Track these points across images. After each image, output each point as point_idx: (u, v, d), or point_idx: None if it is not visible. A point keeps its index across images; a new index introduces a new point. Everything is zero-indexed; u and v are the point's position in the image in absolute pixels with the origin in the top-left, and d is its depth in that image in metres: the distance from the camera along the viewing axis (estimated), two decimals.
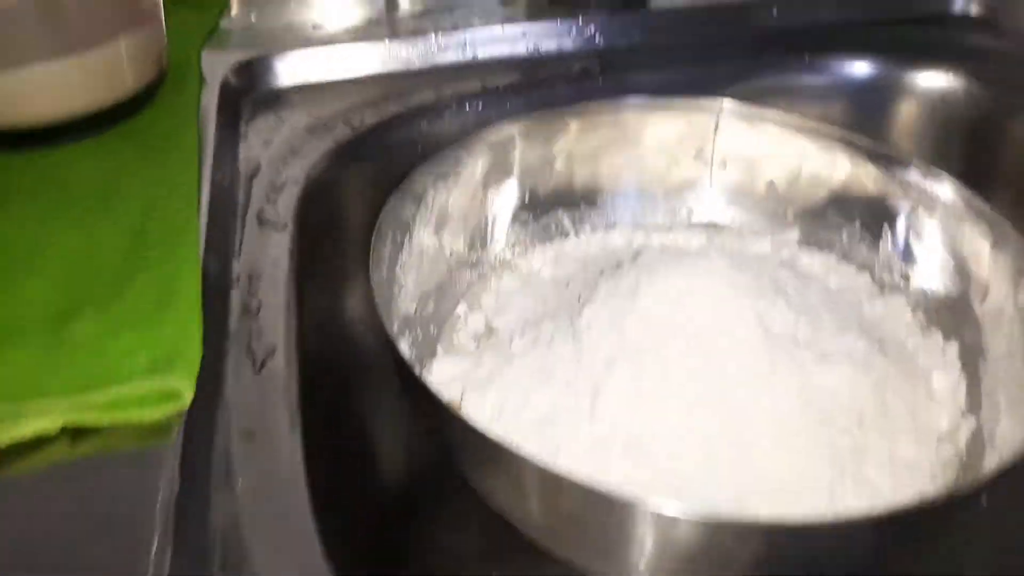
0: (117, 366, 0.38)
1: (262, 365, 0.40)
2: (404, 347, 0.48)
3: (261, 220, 0.49)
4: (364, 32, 0.66)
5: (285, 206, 0.50)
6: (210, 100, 0.57)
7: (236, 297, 0.44)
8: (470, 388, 0.48)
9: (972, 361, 0.48)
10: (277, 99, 0.61)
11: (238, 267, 0.46)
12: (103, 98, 0.53)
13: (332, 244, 0.50)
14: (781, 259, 0.54)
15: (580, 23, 0.67)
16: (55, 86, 0.51)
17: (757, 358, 0.44)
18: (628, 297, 0.47)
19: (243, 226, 0.48)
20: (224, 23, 0.70)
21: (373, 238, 0.44)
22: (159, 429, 0.35)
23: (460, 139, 0.54)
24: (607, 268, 0.53)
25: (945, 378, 0.48)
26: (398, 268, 0.49)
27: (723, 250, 0.51)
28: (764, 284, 0.47)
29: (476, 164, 0.55)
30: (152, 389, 0.37)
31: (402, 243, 0.50)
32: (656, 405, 0.43)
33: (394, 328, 0.45)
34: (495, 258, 0.59)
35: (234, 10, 0.70)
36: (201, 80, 0.60)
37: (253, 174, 0.52)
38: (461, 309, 0.55)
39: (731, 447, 0.42)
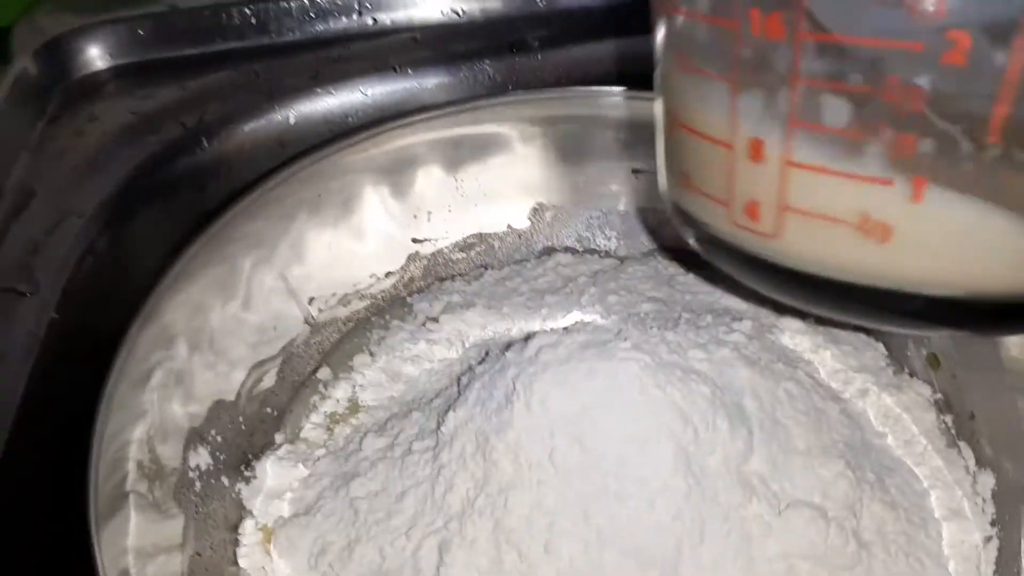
0: None
1: None
2: (203, 456, 0.35)
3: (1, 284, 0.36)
4: None
5: (47, 264, 0.36)
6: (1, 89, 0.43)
7: None
8: (291, 515, 0.35)
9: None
10: (96, 87, 0.46)
11: None
12: None
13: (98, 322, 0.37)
14: (739, 337, 0.37)
15: None
16: None
17: (678, 515, 0.30)
18: (499, 411, 0.32)
19: None
20: None
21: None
22: None
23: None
24: (494, 350, 0.38)
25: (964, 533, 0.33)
26: (189, 346, 0.35)
27: (645, 332, 0.35)
28: (696, 395, 0.31)
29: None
30: None
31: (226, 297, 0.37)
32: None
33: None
34: (382, 296, 0.44)
35: None
36: (9, 56, 0.46)
37: (17, 209, 0.38)
38: (324, 374, 0.42)
39: None
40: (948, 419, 0.36)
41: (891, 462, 0.34)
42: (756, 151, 0.23)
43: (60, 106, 0.46)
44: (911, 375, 0.38)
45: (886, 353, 0.39)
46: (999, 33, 0.19)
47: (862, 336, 0.39)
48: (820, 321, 0.40)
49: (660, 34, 0.26)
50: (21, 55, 0.47)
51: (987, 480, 0.33)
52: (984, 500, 0.33)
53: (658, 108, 0.28)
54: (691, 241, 0.28)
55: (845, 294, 0.23)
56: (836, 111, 0.21)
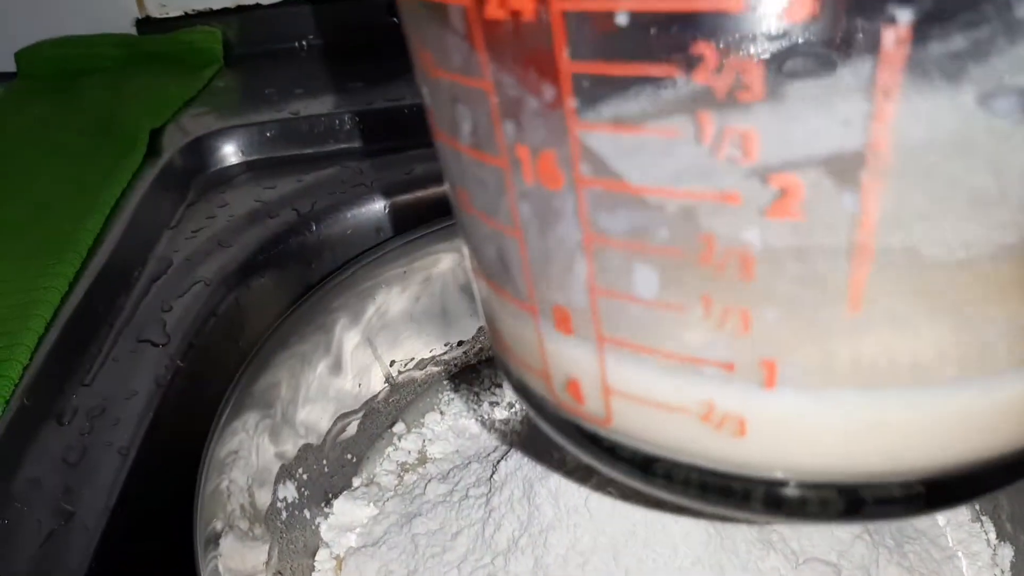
0: None
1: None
2: (290, 490, 0.41)
3: (140, 336, 0.43)
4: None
5: (178, 321, 0.44)
6: (148, 177, 0.52)
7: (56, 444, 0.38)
8: (359, 547, 0.40)
9: None
10: (228, 179, 0.55)
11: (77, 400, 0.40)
12: None
13: (216, 371, 0.44)
14: None
15: None
16: None
17: (698, 561, 0.33)
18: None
19: (114, 343, 0.42)
20: (219, 85, 0.66)
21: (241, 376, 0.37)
22: None
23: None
24: None
25: None
26: (287, 395, 0.41)
27: None
28: None
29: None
30: None
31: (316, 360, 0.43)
32: None
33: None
34: (453, 363, 0.50)
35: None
36: (160, 151, 0.56)
37: (157, 275, 0.46)
38: (399, 428, 0.47)
39: None
40: None
41: (913, 532, 0.36)
42: (563, 322, 0.18)
43: (198, 193, 0.55)
44: None
45: None
46: (842, 170, 0.14)
47: None
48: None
49: (440, 158, 0.20)
50: (169, 150, 0.57)
51: (1007, 553, 0.35)
52: (1003, 572, 0.35)
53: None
54: (526, 407, 0.23)
55: (710, 486, 0.19)
56: (646, 277, 0.16)
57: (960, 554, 0.36)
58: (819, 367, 0.16)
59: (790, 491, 0.18)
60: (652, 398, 0.18)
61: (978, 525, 0.37)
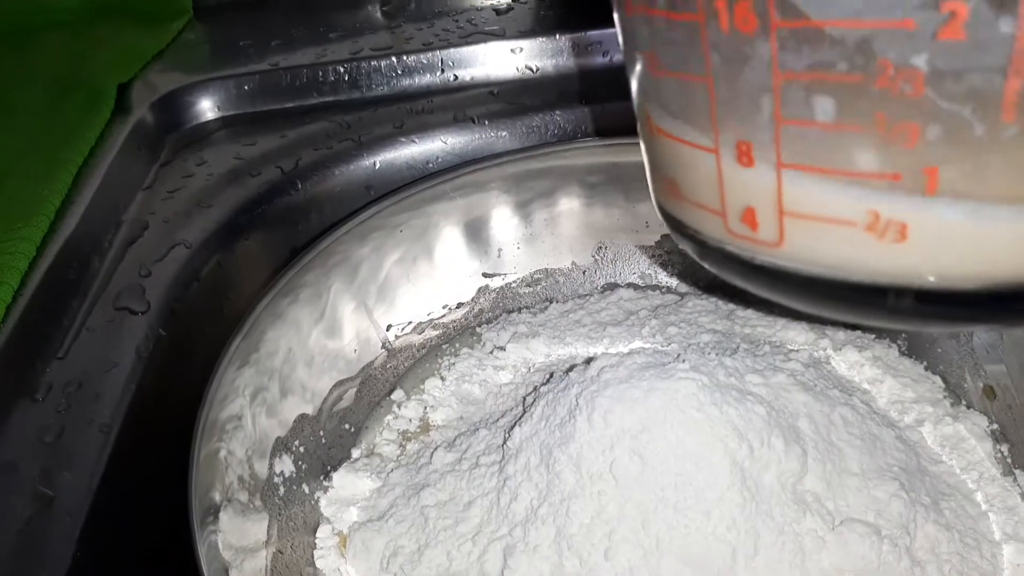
0: None
1: None
2: (287, 464, 0.38)
3: (117, 304, 0.40)
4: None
5: (157, 287, 0.40)
6: (118, 135, 0.49)
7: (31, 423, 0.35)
8: (364, 522, 0.37)
9: None
10: (205, 136, 0.51)
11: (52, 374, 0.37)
12: None
13: (200, 339, 0.40)
14: (796, 365, 0.39)
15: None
16: None
17: (733, 525, 0.31)
18: (562, 425, 0.34)
19: (89, 311, 0.39)
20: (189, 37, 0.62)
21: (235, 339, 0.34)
22: None
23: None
24: (558, 371, 0.40)
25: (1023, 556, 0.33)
26: (280, 362, 0.39)
27: (703, 356, 0.37)
28: (752, 414, 0.33)
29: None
30: None
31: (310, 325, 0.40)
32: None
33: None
34: (453, 326, 0.47)
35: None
36: (129, 107, 0.52)
37: (132, 239, 0.43)
38: (398, 395, 0.44)
39: None
40: (1004, 448, 0.36)
41: (946, 487, 0.35)
42: (745, 155, 0.21)
43: (173, 152, 0.51)
44: (968, 407, 0.38)
45: (943, 385, 0.39)
46: None
47: (919, 368, 0.40)
48: (911, 346, 0.39)
49: (625, 34, 0.24)
50: (139, 107, 0.53)
51: None
52: None
53: (637, 110, 0.26)
54: (688, 251, 0.26)
55: (866, 297, 0.21)
56: (827, 104, 0.19)
57: (996, 509, 0.35)
58: (974, 175, 0.18)
59: (938, 295, 0.20)
60: (823, 214, 0.20)
61: (1011, 479, 0.36)
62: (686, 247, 0.26)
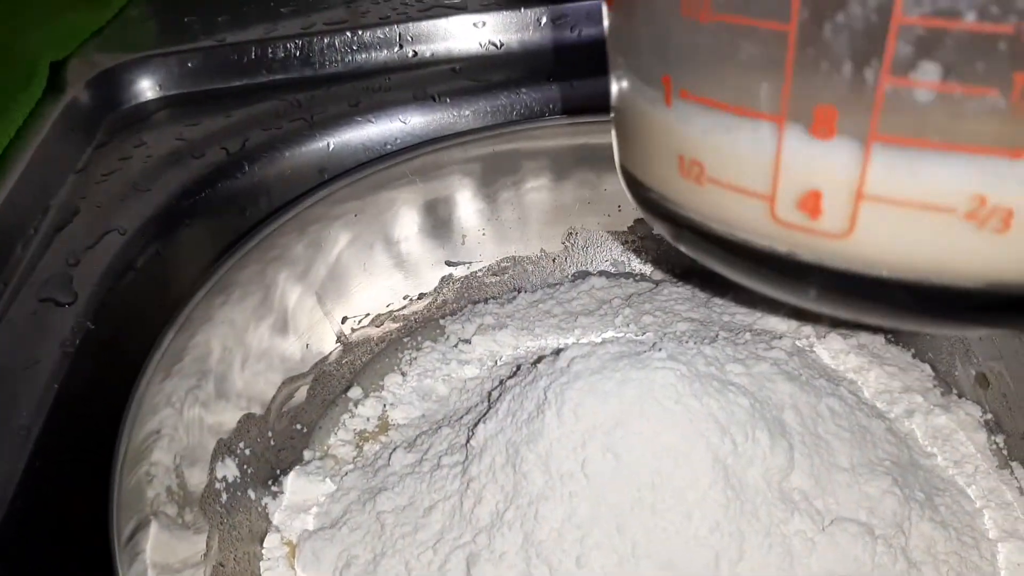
0: None
1: None
2: (230, 468, 0.35)
3: (41, 295, 0.36)
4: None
5: (86, 277, 0.37)
6: (49, 115, 0.45)
7: None
8: (316, 529, 0.34)
9: None
10: (145, 116, 0.48)
11: None
12: None
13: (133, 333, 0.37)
14: (779, 353, 0.36)
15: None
16: None
17: (716, 528, 0.29)
18: (530, 421, 0.32)
19: (10, 302, 0.35)
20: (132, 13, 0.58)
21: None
22: None
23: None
24: (526, 364, 0.37)
25: (1021, 554, 0.31)
26: (216, 361, 0.35)
27: (681, 345, 0.34)
28: (734, 406, 0.30)
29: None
30: None
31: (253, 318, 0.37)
32: None
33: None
34: (414, 318, 0.44)
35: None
36: (63, 86, 0.48)
37: (60, 225, 0.39)
38: (354, 392, 0.41)
39: None
40: (999, 439, 0.34)
41: (940, 482, 0.33)
42: (826, 124, 0.18)
43: (109, 133, 0.47)
44: (959, 396, 0.36)
45: (932, 374, 0.37)
46: None
47: (907, 356, 0.38)
48: (898, 333, 0.37)
49: None
50: (74, 85, 0.49)
51: None
52: None
53: (624, 79, 0.22)
54: (686, 249, 0.23)
55: (947, 301, 0.18)
56: (955, 59, 0.16)
57: (993, 505, 0.33)
58: None
59: None
60: (917, 197, 0.17)
61: (1007, 472, 0.34)
62: (684, 246, 0.23)
